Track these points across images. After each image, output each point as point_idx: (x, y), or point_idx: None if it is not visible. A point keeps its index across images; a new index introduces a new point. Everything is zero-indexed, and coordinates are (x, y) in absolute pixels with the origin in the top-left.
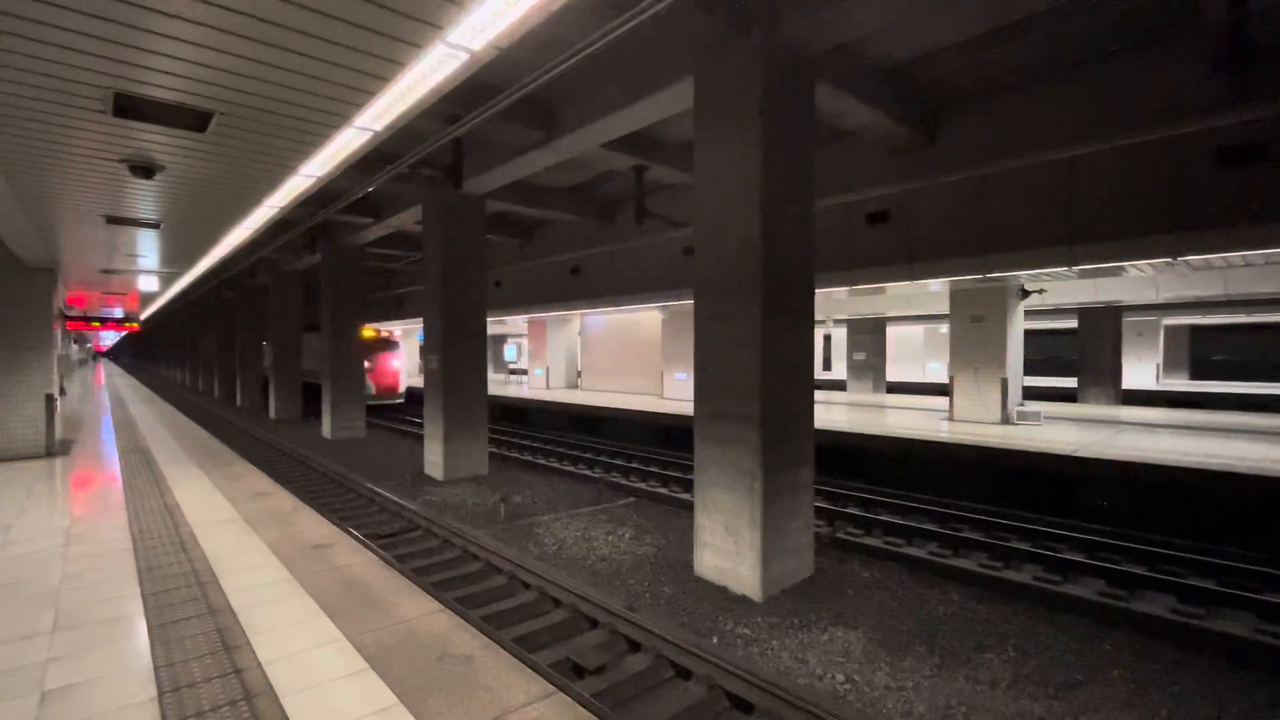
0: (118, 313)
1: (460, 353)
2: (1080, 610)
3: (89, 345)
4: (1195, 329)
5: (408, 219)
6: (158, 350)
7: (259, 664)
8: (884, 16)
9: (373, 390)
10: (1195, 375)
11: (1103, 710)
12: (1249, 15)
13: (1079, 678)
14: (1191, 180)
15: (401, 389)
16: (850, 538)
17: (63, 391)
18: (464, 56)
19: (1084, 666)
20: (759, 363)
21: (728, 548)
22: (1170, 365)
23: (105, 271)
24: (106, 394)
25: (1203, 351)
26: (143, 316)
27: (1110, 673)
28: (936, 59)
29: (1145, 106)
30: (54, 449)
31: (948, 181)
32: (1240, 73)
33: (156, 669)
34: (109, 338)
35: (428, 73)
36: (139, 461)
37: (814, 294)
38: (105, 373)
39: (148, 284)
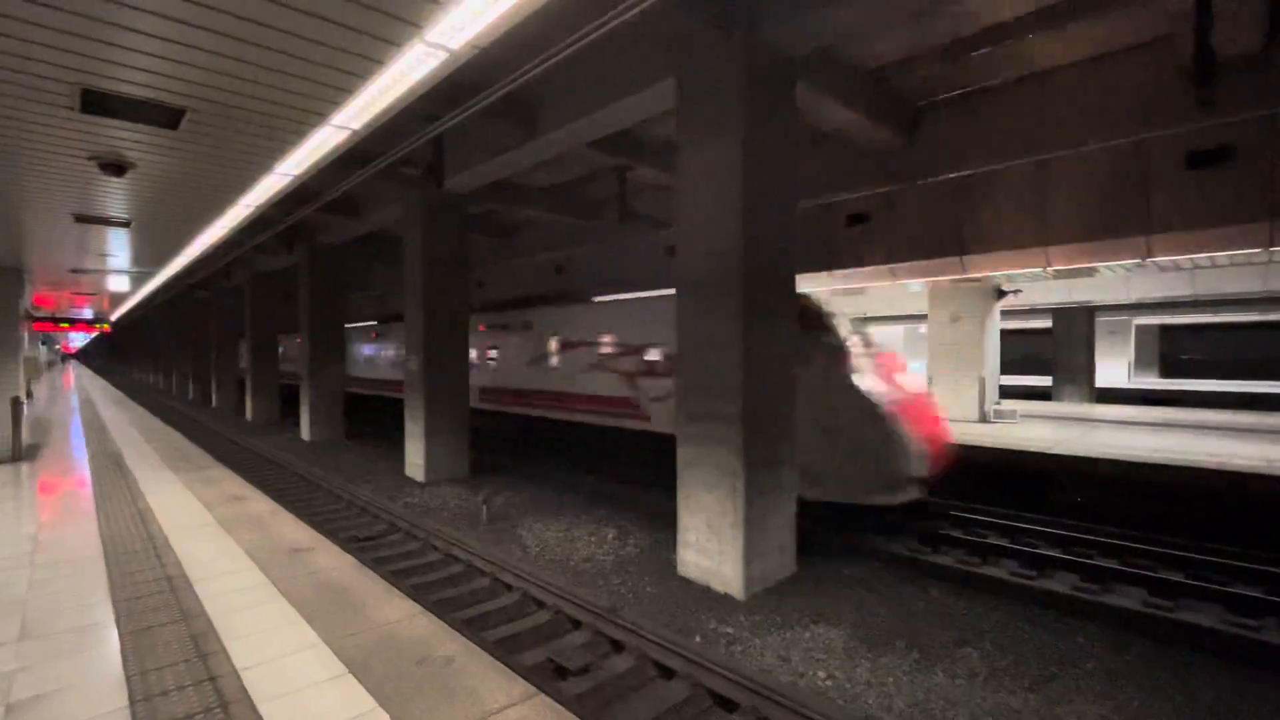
0: (87, 313)
1: (442, 352)
2: (1056, 604)
3: (57, 347)
4: (1164, 328)
5: (388, 218)
6: (130, 352)
7: (234, 670)
8: (864, 20)
9: (914, 460)
10: (1164, 373)
11: (1077, 702)
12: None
13: (1054, 670)
14: (1162, 183)
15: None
16: (831, 535)
17: (30, 395)
18: (443, 55)
19: (1059, 659)
20: (740, 362)
21: (710, 547)
22: (1141, 364)
23: (74, 271)
24: (76, 397)
25: (1171, 350)
26: (113, 317)
27: (1085, 665)
28: (915, 63)
29: (1118, 111)
30: (21, 454)
31: (926, 183)
32: (1207, 80)
33: (128, 677)
34: (78, 339)
35: (406, 71)
36: (110, 466)
37: (795, 294)
38: (75, 375)
39: (118, 284)
